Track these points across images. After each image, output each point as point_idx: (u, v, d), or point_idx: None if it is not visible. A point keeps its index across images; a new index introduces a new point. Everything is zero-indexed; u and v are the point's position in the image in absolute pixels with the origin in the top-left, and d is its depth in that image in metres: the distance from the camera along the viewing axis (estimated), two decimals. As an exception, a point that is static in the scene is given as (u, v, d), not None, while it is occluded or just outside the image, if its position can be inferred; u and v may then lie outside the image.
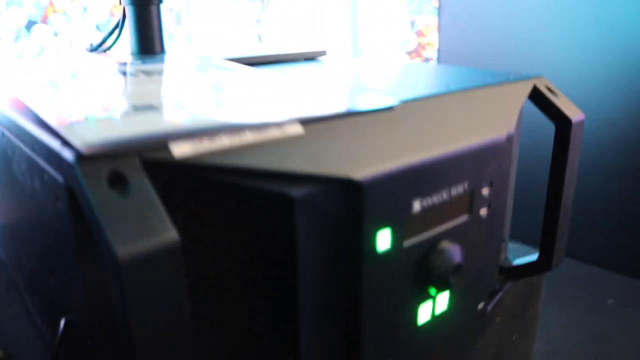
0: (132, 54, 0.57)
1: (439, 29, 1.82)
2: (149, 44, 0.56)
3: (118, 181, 0.23)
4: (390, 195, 0.30)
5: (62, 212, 0.27)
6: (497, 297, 0.45)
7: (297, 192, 0.27)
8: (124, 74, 0.45)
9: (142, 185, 0.23)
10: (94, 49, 0.61)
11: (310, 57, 0.59)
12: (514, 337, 0.56)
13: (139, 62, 0.50)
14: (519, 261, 0.50)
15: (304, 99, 0.34)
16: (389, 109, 0.33)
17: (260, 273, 0.31)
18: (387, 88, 0.42)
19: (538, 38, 1.57)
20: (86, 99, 0.33)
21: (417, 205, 0.32)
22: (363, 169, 0.29)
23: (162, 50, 0.58)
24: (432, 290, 0.35)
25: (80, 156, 0.23)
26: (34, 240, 0.37)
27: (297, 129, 0.29)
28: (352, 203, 0.29)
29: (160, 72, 0.44)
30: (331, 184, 0.29)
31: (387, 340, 0.34)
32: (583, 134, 0.45)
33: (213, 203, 0.28)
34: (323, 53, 0.60)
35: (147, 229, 0.22)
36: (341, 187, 0.29)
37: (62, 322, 0.33)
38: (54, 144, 0.26)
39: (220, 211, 0.29)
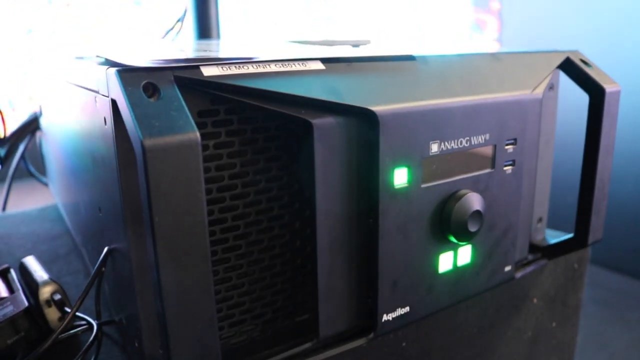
0: (194, 39, 0.63)
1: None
2: (207, 30, 0.62)
3: (152, 90, 0.26)
4: (407, 132, 0.32)
5: (108, 131, 0.30)
6: (529, 270, 0.45)
7: (316, 119, 0.30)
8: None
9: (173, 94, 0.27)
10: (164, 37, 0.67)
11: (355, 44, 0.61)
12: (553, 324, 0.55)
13: (198, 40, 0.55)
14: (555, 239, 0.50)
15: (331, 50, 0.36)
16: (411, 58, 0.35)
17: (278, 202, 0.33)
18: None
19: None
20: (148, 50, 0.37)
21: (434, 147, 0.33)
22: (381, 104, 0.31)
23: (219, 37, 0.62)
24: (452, 237, 0.35)
25: (121, 70, 0.27)
26: (86, 182, 0.41)
27: (319, 65, 0.32)
28: (369, 135, 0.31)
29: (212, 43, 0.48)
30: (349, 116, 0.31)
31: (405, 282, 0.35)
32: (618, 106, 0.44)
33: (240, 130, 0.31)
34: (367, 42, 0.63)
35: (172, 127, 0.25)
36: (359, 119, 0.31)
37: (105, 250, 0.36)
38: (109, 70, 0.30)
39: (246, 138, 0.31)
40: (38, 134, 0.73)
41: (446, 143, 0.34)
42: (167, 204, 0.25)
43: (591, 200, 0.46)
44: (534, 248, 0.50)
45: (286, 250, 0.35)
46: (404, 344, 0.42)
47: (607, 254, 1.69)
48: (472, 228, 0.35)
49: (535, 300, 0.52)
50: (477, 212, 0.35)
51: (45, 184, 0.76)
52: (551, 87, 0.47)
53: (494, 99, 0.36)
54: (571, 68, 0.45)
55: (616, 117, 0.45)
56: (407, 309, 0.35)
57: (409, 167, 0.32)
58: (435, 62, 0.36)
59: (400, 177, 0.32)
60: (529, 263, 0.46)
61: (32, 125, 0.71)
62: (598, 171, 0.45)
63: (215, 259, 0.33)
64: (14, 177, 0.77)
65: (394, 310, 0.34)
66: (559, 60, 0.44)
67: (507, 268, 0.41)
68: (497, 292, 0.48)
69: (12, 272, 0.43)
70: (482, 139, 0.36)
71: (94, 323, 0.36)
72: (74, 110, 0.41)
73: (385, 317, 0.34)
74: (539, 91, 0.40)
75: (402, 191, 0.33)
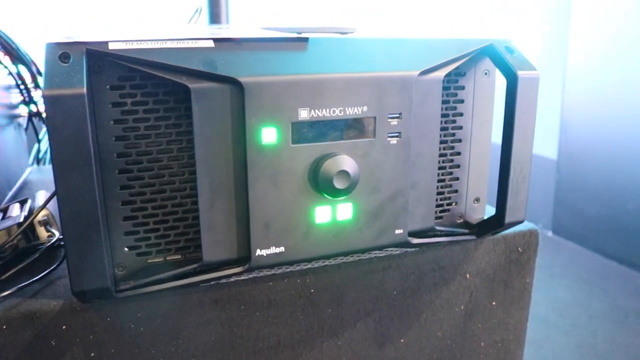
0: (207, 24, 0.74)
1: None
2: (218, 17, 0.73)
3: (66, 58, 0.37)
4: (272, 98, 0.39)
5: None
6: (433, 240, 0.49)
7: (194, 84, 0.38)
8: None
9: (78, 60, 0.36)
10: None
11: (340, 32, 0.68)
12: (492, 303, 0.57)
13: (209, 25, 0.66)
14: (483, 219, 0.53)
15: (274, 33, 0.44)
16: (303, 40, 0.42)
17: (170, 152, 0.42)
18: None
19: None
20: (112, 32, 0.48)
21: (304, 113, 0.40)
22: (248, 76, 0.38)
23: (228, 22, 0.73)
24: (323, 193, 0.41)
25: (50, 44, 0.37)
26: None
27: (209, 44, 0.40)
28: (240, 100, 0.39)
29: (213, 27, 0.58)
30: (224, 83, 0.39)
31: (278, 225, 0.41)
32: (537, 93, 0.47)
33: (153, 93, 0.40)
34: (353, 30, 0.69)
35: (66, 82, 0.35)
36: (231, 86, 0.39)
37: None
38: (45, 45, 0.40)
39: (158, 99, 0.40)
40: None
41: (317, 110, 0.40)
42: (59, 135, 0.35)
43: (507, 181, 0.48)
44: (468, 225, 0.53)
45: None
46: (312, 290, 0.49)
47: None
48: (339, 185, 0.41)
49: (468, 276, 0.55)
50: (344, 171, 0.41)
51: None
52: (486, 72, 0.51)
53: (371, 76, 0.41)
54: (494, 55, 0.48)
55: (535, 103, 0.47)
56: (281, 248, 0.42)
57: (277, 128, 0.39)
58: (328, 44, 0.43)
59: (269, 136, 0.39)
60: (444, 235, 0.50)
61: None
62: (514, 153, 0.48)
63: (134, 192, 0.42)
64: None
65: (267, 247, 0.42)
66: (476, 46, 0.47)
67: (398, 231, 0.46)
68: (417, 258, 0.52)
69: (29, 201, 0.56)
70: (359, 110, 0.42)
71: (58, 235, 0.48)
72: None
73: (259, 252, 0.41)
74: (440, 73, 0.45)
75: (271, 148, 0.40)
